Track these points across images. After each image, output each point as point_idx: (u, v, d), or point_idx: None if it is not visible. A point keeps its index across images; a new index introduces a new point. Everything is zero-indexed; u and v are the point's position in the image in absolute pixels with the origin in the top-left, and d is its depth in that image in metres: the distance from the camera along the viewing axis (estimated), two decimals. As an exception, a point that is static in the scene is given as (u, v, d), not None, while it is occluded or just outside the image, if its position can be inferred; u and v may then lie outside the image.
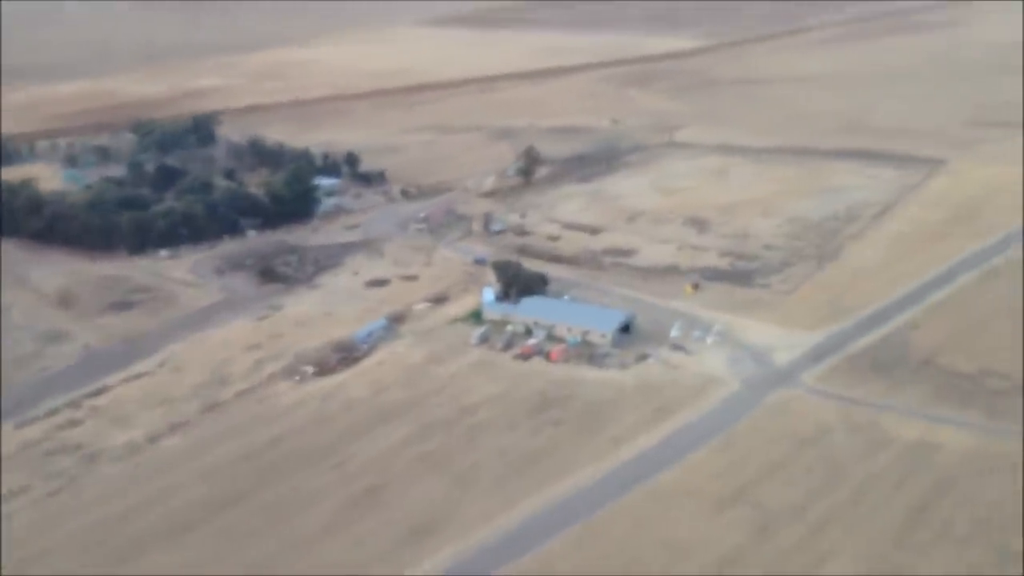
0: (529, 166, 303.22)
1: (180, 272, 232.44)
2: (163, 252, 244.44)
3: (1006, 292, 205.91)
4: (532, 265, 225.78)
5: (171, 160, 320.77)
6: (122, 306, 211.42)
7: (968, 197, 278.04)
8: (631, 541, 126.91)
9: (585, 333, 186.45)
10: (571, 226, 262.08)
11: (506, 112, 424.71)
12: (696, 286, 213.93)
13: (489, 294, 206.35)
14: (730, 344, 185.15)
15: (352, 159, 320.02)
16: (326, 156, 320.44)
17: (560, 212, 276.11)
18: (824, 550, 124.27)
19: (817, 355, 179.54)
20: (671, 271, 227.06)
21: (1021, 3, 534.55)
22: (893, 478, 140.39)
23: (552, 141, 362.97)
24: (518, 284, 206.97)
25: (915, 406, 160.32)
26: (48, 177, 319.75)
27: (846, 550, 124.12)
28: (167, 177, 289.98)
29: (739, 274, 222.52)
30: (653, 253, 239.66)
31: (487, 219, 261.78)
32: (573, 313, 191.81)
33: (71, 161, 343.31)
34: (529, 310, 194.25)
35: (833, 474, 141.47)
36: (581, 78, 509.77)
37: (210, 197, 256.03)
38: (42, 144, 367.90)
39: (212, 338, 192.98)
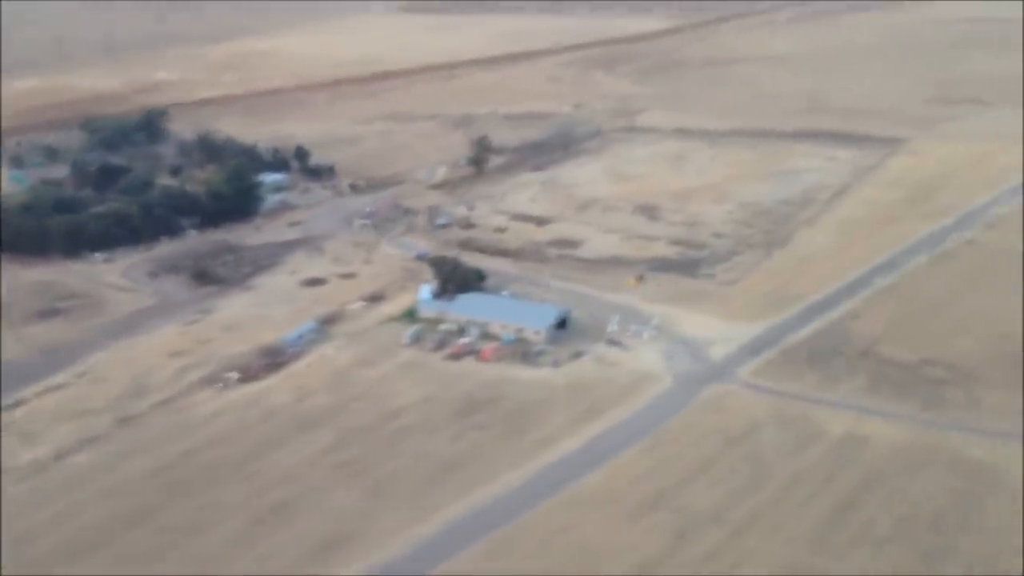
0: (480, 156, 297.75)
1: (113, 276, 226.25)
2: (98, 255, 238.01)
3: (956, 276, 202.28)
4: (475, 259, 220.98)
5: (117, 158, 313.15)
6: (49, 314, 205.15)
7: (926, 177, 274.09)
8: (545, 550, 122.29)
9: (519, 330, 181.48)
10: (519, 217, 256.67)
11: (467, 99, 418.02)
12: (640, 278, 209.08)
13: (425, 292, 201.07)
14: (667, 338, 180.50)
15: (302, 153, 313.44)
16: (275, 151, 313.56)
17: (510, 203, 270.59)
18: (739, 556, 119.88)
19: (755, 348, 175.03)
20: (617, 262, 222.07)
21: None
22: (819, 475, 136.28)
23: (511, 128, 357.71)
24: (455, 280, 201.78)
25: (848, 399, 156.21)
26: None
27: (762, 555, 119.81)
28: (108, 176, 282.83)
29: (686, 264, 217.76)
30: (600, 244, 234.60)
31: (432, 213, 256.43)
32: (508, 310, 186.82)
33: (16, 162, 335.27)
34: (463, 308, 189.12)
35: (758, 473, 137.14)
36: (546, 62, 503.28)
37: (147, 197, 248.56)
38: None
39: (137, 346, 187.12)
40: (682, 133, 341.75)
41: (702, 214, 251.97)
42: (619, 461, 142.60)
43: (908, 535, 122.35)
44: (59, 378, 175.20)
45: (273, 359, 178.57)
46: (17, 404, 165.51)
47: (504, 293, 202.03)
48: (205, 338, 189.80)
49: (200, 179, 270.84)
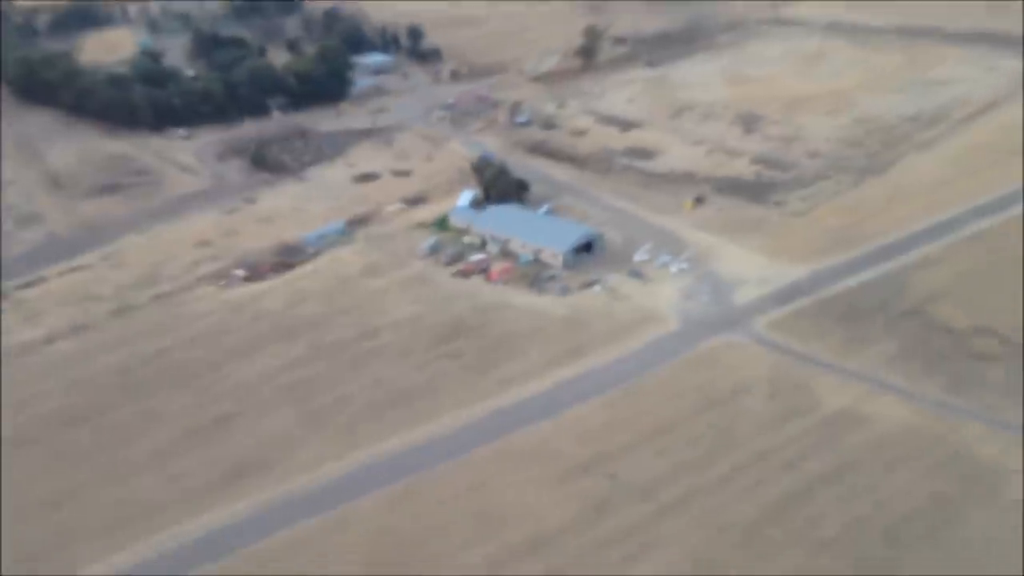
0: (589, 47, 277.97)
1: (184, 155, 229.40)
2: (181, 131, 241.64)
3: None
4: (541, 164, 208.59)
5: (242, 29, 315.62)
6: (110, 189, 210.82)
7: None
8: (446, 508, 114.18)
9: (538, 251, 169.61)
10: (606, 119, 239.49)
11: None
12: (700, 200, 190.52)
13: (466, 198, 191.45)
14: (696, 274, 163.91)
15: (416, 33, 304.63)
16: (383, 30, 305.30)
17: (605, 102, 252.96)
18: (650, 541, 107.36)
19: (789, 295, 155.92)
20: (686, 179, 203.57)
21: None
22: (786, 456, 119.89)
23: (650, 14, 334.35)
24: (496, 189, 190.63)
25: (867, 367, 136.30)
26: (126, 44, 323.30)
27: (676, 544, 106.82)
28: (220, 48, 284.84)
29: (760, 186, 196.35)
30: (679, 156, 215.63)
31: (513, 109, 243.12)
32: (533, 227, 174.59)
33: (153, 26, 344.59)
34: (489, 220, 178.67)
35: (720, 445, 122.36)
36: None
37: (236, 75, 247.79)
38: (134, 8, 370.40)
39: (172, 231, 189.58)
40: (832, 28, 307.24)
41: (808, 127, 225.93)
42: (577, 411, 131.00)
43: (854, 542, 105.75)
44: (86, 258, 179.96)
45: (287, 258, 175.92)
46: (35, 282, 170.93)
47: (544, 207, 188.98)
48: (236, 229, 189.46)
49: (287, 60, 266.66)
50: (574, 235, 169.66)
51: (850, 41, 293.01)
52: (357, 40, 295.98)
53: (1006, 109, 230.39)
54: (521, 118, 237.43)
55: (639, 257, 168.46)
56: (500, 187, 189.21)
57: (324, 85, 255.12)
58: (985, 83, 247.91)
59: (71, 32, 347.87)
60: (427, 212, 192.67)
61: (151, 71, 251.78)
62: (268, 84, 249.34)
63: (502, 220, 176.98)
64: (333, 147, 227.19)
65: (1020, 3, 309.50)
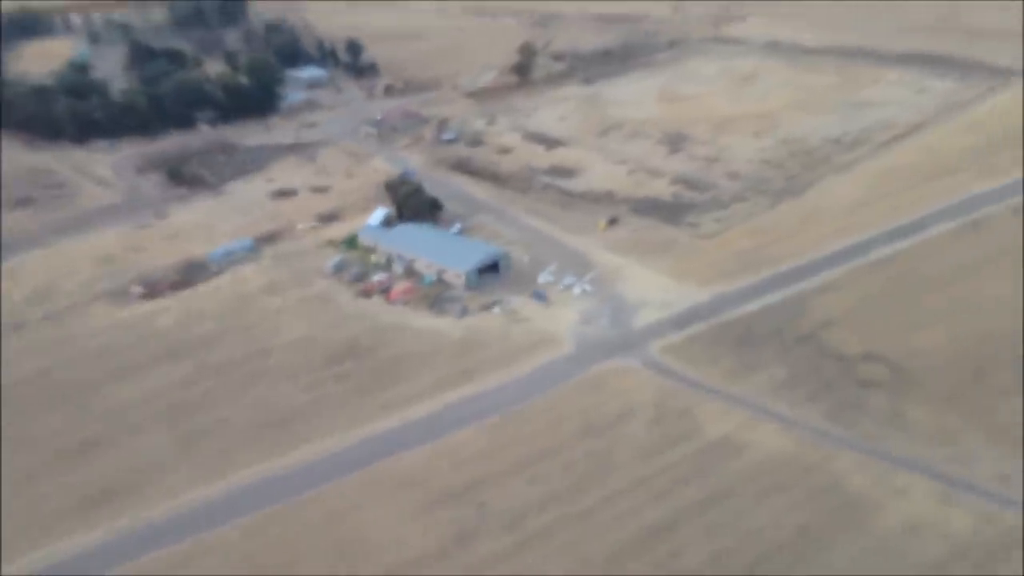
0: (524, 64, 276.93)
1: (102, 168, 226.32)
2: (104, 144, 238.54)
3: (973, 252, 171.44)
4: (462, 182, 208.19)
5: (182, 41, 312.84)
6: (24, 203, 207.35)
7: (1019, 121, 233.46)
8: (306, 537, 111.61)
9: (442, 271, 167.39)
10: (533, 137, 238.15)
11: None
12: (614, 220, 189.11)
13: (378, 216, 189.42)
14: (599, 296, 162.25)
15: (355, 47, 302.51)
16: (321, 43, 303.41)
17: (535, 119, 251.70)
18: (509, 573, 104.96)
19: (688, 319, 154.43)
20: (605, 198, 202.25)
21: None
22: (659, 486, 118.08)
23: (590, 31, 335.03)
24: (408, 207, 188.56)
25: (753, 394, 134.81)
26: (64, 54, 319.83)
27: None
28: (152, 60, 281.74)
29: (676, 207, 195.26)
30: (600, 175, 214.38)
31: (440, 126, 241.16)
32: (438, 247, 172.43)
33: (94, 37, 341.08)
34: (396, 239, 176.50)
35: (596, 473, 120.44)
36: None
37: (162, 87, 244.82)
38: (79, 18, 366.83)
39: (76, 246, 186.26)
40: (771, 48, 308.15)
41: (732, 148, 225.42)
42: (457, 437, 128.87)
43: (715, 574, 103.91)
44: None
45: (189, 276, 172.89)
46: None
47: (456, 226, 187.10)
48: (142, 245, 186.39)
49: (217, 72, 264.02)
50: (478, 255, 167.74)
51: (787, 61, 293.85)
52: (292, 53, 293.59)
53: (930, 131, 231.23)
54: (447, 135, 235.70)
55: (543, 278, 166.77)
56: (413, 205, 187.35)
57: (253, 99, 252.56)
58: (913, 105, 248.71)
59: (12, 41, 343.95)
60: (340, 230, 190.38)
61: (76, 83, 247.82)
62: (194, 97, 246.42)
63: (409, 239, 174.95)
64: (255, 162, 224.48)
65: (957, 28, 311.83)
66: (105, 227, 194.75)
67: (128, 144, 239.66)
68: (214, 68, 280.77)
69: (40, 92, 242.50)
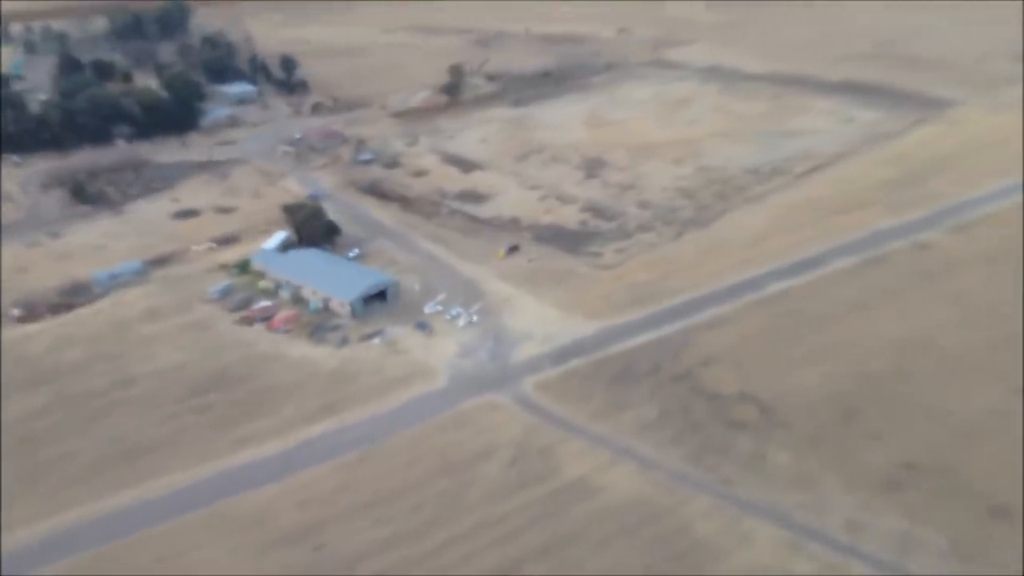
0: (455, 84, 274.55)
1: (10, 183, 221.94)
2: (15, 158, 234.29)
3: (869, 289, 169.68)
4: (370, 205, 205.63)
5: (117, 52, 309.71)
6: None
7: (939, 154, 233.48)
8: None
9: (327, 299, 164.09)
10: (451, 160, 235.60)
11: (516, 13, 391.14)
12: (515, 248, 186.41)
13: (275, 240, 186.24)
14: (483, 328, 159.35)
15: (288, 64, 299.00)
16: (253, 58, 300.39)
17: (457, 142, 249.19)
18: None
19: (569, 353, 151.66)
20: (511, 225, 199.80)
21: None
22: (507, 528, 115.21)
23: (532, 52, 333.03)
24: (305, 232, 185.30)
25: (619, 434, 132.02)
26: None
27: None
28: (77, 71, 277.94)
29: (580, 236, 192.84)
30: (511, 201, 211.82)
31: (358, 147, 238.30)
32: (326, 274, 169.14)
33: (30, 47, 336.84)
34: (285, 265, 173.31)
35: (445, 514, 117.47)
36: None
37: (77, 102, 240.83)
38: (16, 28, 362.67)
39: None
40: (710, 73, 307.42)
41: (649, 175, 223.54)
42: (308, 475, 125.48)
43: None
44: None
45: (70, 298, 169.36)
46: None
47: (354, 252, 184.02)
48: (29, 266, 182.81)
49: (138, 88, 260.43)
50: (364, 284, 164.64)
51: (723, 87, 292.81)
52: (223, 68, 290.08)
53: (849, 163, 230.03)
54: (364, 156, 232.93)
55: (430, 308, 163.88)
56: (310, 229, 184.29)
57: (172, 114, 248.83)
58: (837, 135, 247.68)
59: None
60: (236, 253, 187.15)
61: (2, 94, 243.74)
62: (110, 112, 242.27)
63: (298, 265, 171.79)
64: (164, 180, 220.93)
65: (897, 56, 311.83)
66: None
67: (41, 158, 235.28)
68: (144, 81, 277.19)
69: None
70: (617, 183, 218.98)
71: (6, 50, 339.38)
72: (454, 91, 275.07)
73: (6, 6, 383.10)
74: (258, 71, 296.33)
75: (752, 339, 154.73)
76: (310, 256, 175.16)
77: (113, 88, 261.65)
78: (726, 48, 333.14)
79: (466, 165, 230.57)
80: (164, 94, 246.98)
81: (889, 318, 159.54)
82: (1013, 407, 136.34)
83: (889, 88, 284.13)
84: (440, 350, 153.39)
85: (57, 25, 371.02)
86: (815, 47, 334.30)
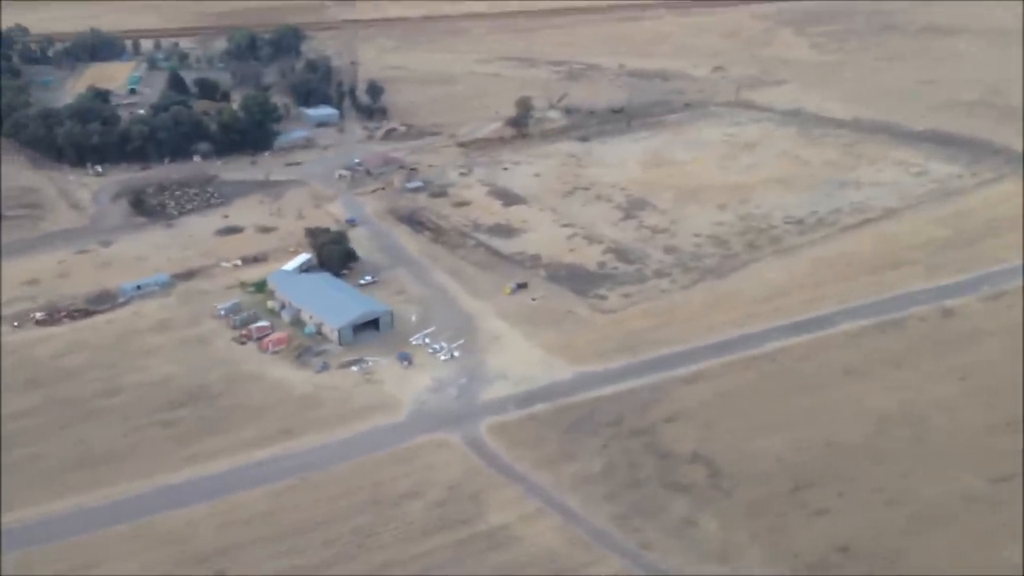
0: (521, 117, 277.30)
1: (84, 192, 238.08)
2: (97, 168, 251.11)
3: (868, 354, 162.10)
4: (402, 233, 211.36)
5: (224, 73, 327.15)
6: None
7: (1006, 215, 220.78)
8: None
9: (320, 324, 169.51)
10: (498, 192, 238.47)
11: (617, 47, 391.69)
12: (522, 286, 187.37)
13: (296, 262, 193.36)
14: (462, 364, 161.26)
15: (375, 90, 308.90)
16: (339, 84, 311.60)
17: (511, 175, 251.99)
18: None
19: (539, 397, 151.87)
20: (531, 262, 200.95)
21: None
22: (408, 572, 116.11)
23: (617, 86, 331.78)
24: (324, 256, 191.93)
25: (555, 485, 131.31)
26: (120, 78, 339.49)
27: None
28: (181, 89, 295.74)
29: (595, 278, 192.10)
30: (539, 237, 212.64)
31: (409, 175, 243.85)
32: (323, 299, 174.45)
33: (152, 63, 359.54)
34: (291, 287, 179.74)
35: (353, 551, 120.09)
36: (742, 11, 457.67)
37: (161, 120, 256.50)
38: (147, 45, 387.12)
39: (13, 266, 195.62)
40: (790, 116, 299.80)
41: (688, 220, 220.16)
42: (241, 497, 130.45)
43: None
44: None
45: (94, 306, 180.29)
46: None
47: (367, 279, 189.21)
48: (71, 271, 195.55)
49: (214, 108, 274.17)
50: (356, 312, 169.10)
51: (799, 131, 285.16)
52: (307, 92, 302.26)
53: (902, 219, 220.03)
54: (413, 184, 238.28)
55: (416, 340, 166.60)
56: (328, 254, 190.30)
57: (248, 134, 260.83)
58: (901, 189, 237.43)
59: (80, 62, 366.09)
60: (260, 271, 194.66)
61: (86, 109, 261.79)
62: (189, 129, 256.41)
63: (303, 289, 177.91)
64: (223, 197, 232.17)
65: (999, 107, 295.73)
66: (54, 250, 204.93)
67: (121, 170, 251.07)
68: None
69: (46, 115, 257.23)
70: (651, 226, 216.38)
71: (130, 66, 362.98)
72: (521, 124, 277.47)
73: (138, 23, 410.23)
74: (344, 96, 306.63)
75: (728, 398, 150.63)
76: (317, 280, 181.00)
77: (205, 106, 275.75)
78: (816, 91, 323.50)
79: (510, 198, 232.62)
80: (242, 115, 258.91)
81: (881, 389, 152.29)
82: (985, 496, 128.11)
83: (976, 140, 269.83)
84: (413, 383, 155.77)
85: (185, 44, 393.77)
86: (913, 92, 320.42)
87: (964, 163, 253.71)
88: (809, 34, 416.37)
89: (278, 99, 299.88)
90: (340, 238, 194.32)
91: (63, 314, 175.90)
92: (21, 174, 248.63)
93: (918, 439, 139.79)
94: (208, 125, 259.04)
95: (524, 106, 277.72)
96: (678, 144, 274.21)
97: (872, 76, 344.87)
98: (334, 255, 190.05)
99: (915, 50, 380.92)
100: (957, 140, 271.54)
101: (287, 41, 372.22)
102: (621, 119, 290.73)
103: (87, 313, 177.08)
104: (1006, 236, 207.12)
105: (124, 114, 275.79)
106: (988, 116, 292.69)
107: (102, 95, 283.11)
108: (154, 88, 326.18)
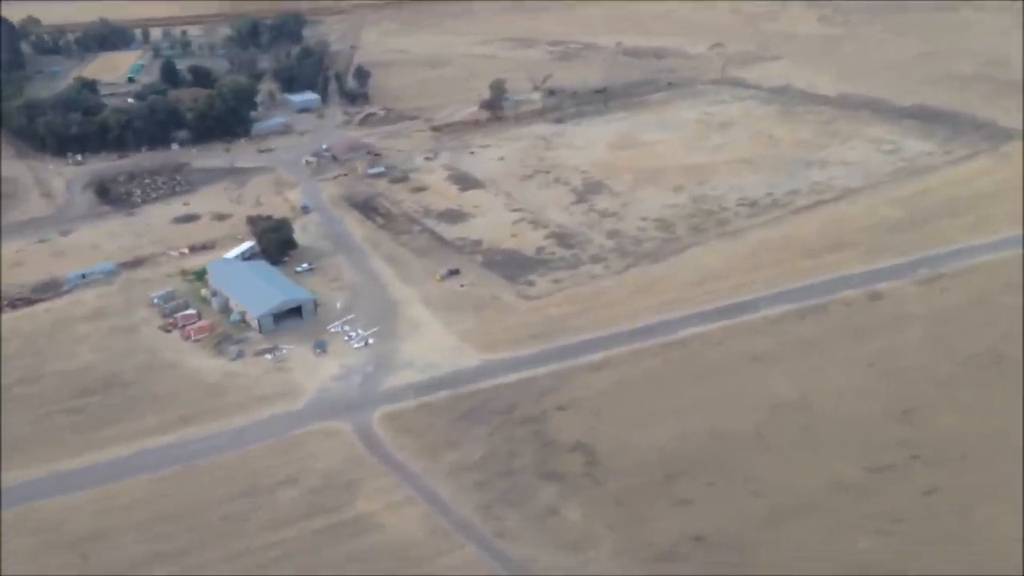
0: (495, 100, 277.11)
1: (59, 181, 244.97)
2: (77, 158, 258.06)
3: (782, 341, 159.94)
4: (352, 219, 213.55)
5: (219, 61, 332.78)
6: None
7: (969, 193, 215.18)
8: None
9: (244, 312, 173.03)
10: (457, 177, 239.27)
11: (618, 25, 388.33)
12: (454, 272, 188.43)
13: (238, 250, 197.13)
14: (373, 352, 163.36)
15: (361, 74, 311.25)
16: (326, 69, 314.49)
17: (476, 159, 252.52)
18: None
19: (439, 385, 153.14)
20: (471, 247, 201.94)
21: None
22: (264, 558, 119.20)
23: (609, 67, 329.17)
24: (264, 243, 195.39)
25: (429, 473, 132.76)
26: (124, 67, 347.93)
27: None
28: (174, 77, 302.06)
29: (528, 263, 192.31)
30: (486, 223, 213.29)
31: (370, 160, 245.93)
32: (248, 287, 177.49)
33: (157, 51, 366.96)
34: (224, 275, 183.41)
35: (218, 537, 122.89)
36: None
37: (137, 109, 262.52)
38: (156, 33, 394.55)
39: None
40: (773, 94, 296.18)
41: (640, 203, 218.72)
42: (124, 484, 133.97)
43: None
44: None
45: (38, 295, 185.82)
46: None
47: (304, 266, 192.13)
48: (26, 260, 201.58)
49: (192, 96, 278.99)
50: (277, 299, 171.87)
51: (780, 109, 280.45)
52: (292, 77, 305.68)
53: (859, 199, 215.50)
54: (375, 169, 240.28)
55: (334, 328, 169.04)
56: (267, 242, 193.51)
57: (224, 122, 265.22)
58: (869, 167, 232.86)
59: (90, 52, 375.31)
60: (204, 259, 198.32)
61: (72, 99, 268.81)
62: (166, 117, 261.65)
63: (233, 277, 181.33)
64: (190, 184, 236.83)
65: (995, 80, 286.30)
66: (17, 239, 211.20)
67: (99, 159, 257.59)
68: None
69: (29, 106, 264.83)
70: (602, 209, 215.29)
71: (136, 55, 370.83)
72: (496, 106, 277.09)
73: (156, 11, 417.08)
74: (329, 81, 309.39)
75: (627, 386, 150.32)
76: (248, 268, 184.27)
77: (184, 94, 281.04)
78: (809, 66, 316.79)
79: (468, 183, 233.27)
80: (217, 102, 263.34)
81: (784, 376, 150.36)
82: (857, 485, 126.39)
83: (961, 116, 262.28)
84: (321, 371, 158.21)
85: (194, 32, 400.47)
86: (910, 66, 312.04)
87: (941, 139, 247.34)
88: (819, 6, 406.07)
89: (266, 85, 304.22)
90: (280, 226, 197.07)
91: (7, 303, 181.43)
92: (3, 164, 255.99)
93: (806, 428, 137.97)
94: (184, 113, 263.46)
95: (498, 88, 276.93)
96: (652, 125, 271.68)
97: (872, 49, 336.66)
98: (272, 243, 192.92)
99: (921, 22, 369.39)
100: (940, 115, 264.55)
101: (288, 27, 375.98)
102: (599, 100, 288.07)
103: (29, 302, 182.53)
104: (963, 216, 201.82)
105: (118, 103, 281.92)
106: (982, 90, 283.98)
107: (89, 85, 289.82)
108: (153, 76, 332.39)
